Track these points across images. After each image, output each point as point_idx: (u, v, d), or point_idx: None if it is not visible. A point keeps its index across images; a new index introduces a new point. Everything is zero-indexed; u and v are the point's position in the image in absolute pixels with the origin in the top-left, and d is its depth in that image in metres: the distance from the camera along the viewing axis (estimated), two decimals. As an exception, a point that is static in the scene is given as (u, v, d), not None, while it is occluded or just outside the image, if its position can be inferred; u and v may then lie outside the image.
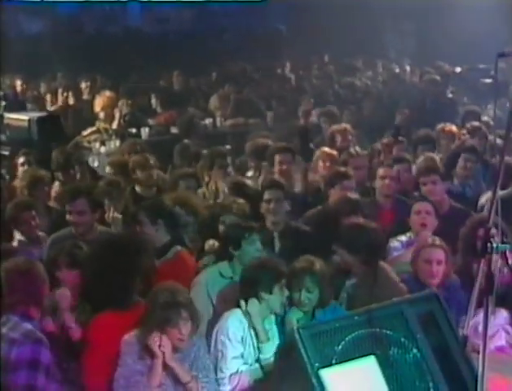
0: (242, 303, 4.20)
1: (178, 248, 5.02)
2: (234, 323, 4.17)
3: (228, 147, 7.52)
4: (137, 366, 3.87)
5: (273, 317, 4.30)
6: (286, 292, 4.22)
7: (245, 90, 10.99)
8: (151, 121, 9.93)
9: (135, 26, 15.07)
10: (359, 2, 12.73)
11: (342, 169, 6.28)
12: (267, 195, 5.54)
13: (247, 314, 4.19)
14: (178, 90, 11.59)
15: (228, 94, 10.68)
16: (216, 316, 4.42)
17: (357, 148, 7.20)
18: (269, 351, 4.17)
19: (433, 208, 5.53)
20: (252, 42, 14.22)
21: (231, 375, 4.11)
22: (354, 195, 5.77)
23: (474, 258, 4.89)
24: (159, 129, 9.65)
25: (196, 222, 5.45)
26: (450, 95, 10.52)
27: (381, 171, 6.28)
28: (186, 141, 8.13)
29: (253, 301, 4.18)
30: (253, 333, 4.18)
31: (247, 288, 4.24)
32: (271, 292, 4.18)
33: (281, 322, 4.31)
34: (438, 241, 4.91)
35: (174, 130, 9.43)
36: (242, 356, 4.16)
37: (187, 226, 5.40)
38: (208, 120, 9.77)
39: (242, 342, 4.17)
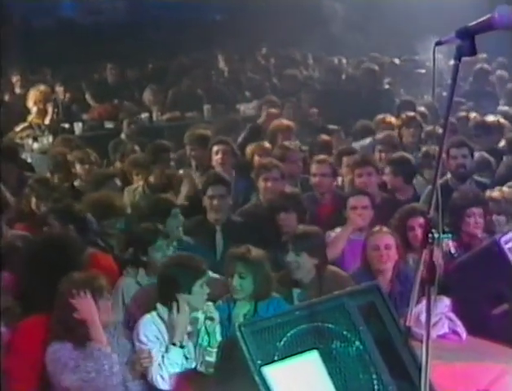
0: (159, 306, 4.07)
1: (91, 250, 4.96)
2: (147, 327, 4.02)
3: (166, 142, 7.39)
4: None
5: (217, 316, 4.20)
6: (207, 289, 4.12)
7: (181, 83, 10.85)
8: (84, 116, 9.71)
9: (68, 17, 14.70)
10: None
11: (265, 160, 6.24)
12: (210, 192, 5.48)
13: (161, 317, 4.06)
14: (112, 83, 11.35)
15: (163, 87, 10.52)
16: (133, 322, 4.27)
17: (293, 143, 7.19)
18: (214, 353, 4.04)
19: (369, 201, 5.55)
20: (188, 34, 14.06)
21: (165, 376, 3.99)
22: (290, 189, 5.77)
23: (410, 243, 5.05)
24: (93, 124, 9.44)
25: (122, 226, 5.39)
26: (387, 86, 10.64)
27: (312, 168, 6.25)
28: (122, 136, 7.99)
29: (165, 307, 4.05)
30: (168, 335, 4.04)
31: (164, 290, 4.10)
32: (190, 292, 4.05)
33: (228, 319, 4.25)
34: (385, 228, 4.96)
35: (108, 125, 9.24)
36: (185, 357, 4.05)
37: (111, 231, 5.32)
38: (144, 115, 9.60)
39: (160, 343, 4.02)
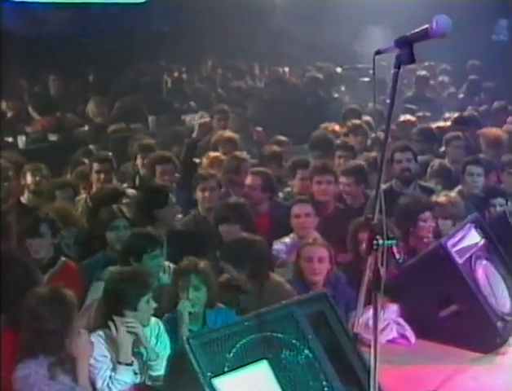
0: (111, 324, 3.97)
1: (63, 258, 5.01)
2: (95, 346, 3.92)
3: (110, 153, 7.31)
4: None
5: (161, 328, 4.15)
6: (153, 304, 4.06)
7: (126, 94, 10.75)
8: (28, 129, 9.53)
9: (9, 28, 14.40)
10: (242, 5, 12.75)
11: (201, 169, 6.23)
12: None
13: (107, 335, 3.98)
14: (54, 95, 11.17)
15: (107, 98, 10.40)
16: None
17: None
18: (161, 367, 4.00)
19: (312, 209, 5.57)
20: (134, 45, 13.95)
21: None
22: (234, 200, 5.76)
23: (362, 256, 5.09)
24: (36, 137, 9.27)
25: (77, 234, 5.32)
26: (336, 95, 10.75)
27: (248, 179, 6.21)
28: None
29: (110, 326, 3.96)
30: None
31: (109, 307, 4.01)
32: (135, 309, 3.98)
33: (174, 331, 4.21)
34: (319, 239, 4.97)
35: (52, 138, 9.09)
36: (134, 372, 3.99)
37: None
38: (87, 126, 9.47)
39: (107, 362, 3.94)
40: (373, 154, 7.09)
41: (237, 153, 6.91)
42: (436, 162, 7.02)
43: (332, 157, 7.14)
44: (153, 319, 4.13)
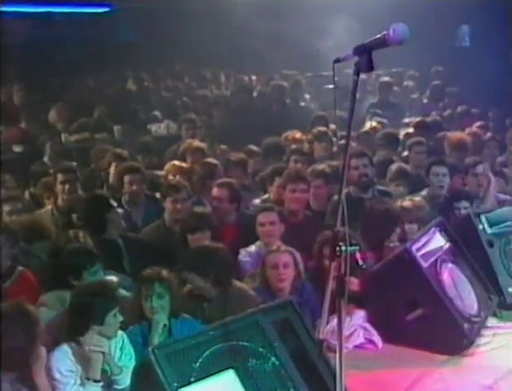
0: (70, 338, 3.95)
1: (20, 268, 4.97)
2: (60, 361, 3.88)
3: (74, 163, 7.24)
4: None
5: (125, 340, 4.12)
6: (120, 318, 4.01)
7: (91, 104, 10.65)
8: (-8, 140, 9.39)
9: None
10: (208, 16, 12.75)
11: (173, 180, 6.19)
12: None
13: (74, 349, 3.94)
14: (19, 105, 11.03)
15: (70, 107, 10.27)
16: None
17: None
18: (125, 380, 3.95)
19: (277, 216, 5.58)
20: (99, 54, 13.87)
21: None
22: (199, 210, 5.74)
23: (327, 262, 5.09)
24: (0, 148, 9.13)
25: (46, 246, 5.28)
26: (302, 103, 10.79)
27: (214, 191, 6.15)
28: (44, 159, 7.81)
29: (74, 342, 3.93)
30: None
31: (76, 321, 3.95)
32: (102, 323, 3.93)
33: (142, 343, 4.18)
34: (283, 247, 4.98)
35: (16, 149, 8.98)
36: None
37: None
38: (48, 136, 9.33)
39: (74, 377, 3.90)
40: (335, 162, 7.10)
41: (209, 159, 6.89)
42: (395, 166, 7.05)
43: (285, 163, 7.15)
44: (118, 332, 4.10)
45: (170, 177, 6.78)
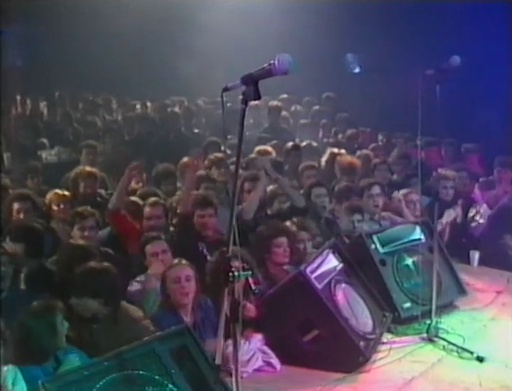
0: None
1: None
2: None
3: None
4: None
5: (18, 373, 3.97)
6: None
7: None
8: None
9: None
10: (98, 37, 12.59)
11: (80, 209, 6.08)
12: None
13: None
14: None
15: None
16: None
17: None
18: None
19: (167, 245, 5.56)
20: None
21: None
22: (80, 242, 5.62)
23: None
24: None
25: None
26: (196, 130, 10.81)
27: (146, 211, 6.18)
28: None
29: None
30: None
31: None
32: None
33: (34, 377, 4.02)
34: (183, 260, 4.98)
35: None
36: None
37: None
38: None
39: None
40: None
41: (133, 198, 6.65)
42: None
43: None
44: (10, 365, 3.96)
45: (54, 207, 6.59)
